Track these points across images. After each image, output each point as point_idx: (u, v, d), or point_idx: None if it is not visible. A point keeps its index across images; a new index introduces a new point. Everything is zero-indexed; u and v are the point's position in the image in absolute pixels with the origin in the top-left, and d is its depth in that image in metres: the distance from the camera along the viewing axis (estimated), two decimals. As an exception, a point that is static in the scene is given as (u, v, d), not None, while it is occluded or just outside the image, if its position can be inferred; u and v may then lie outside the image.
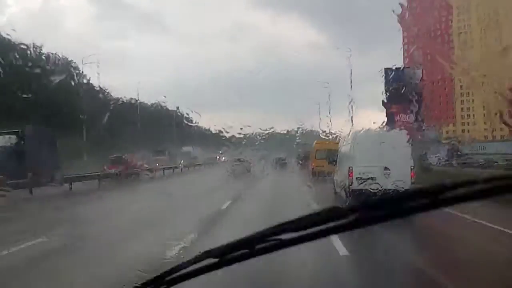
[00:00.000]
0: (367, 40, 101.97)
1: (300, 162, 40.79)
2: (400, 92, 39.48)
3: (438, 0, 60.73)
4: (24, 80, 32.32)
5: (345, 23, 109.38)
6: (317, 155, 28.05)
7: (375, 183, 14.10)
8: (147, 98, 67.05)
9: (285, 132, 49.48)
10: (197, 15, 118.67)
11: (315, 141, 30.42)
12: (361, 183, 14.66)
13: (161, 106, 64.59)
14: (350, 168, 15.07)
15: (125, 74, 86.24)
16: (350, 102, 45.42)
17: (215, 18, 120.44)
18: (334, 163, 18.68)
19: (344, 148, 17.43)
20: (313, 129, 60.44)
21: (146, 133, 50.99)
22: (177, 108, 63.66)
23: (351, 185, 14.90)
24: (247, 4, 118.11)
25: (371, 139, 15.27)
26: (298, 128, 48.21)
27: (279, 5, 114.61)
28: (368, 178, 14.57)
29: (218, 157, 47.93)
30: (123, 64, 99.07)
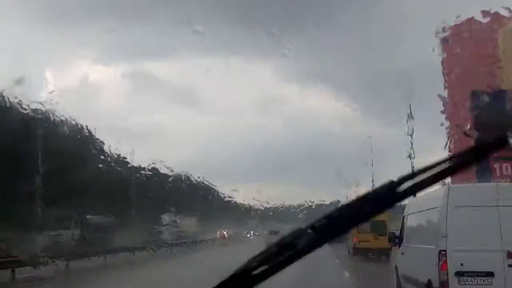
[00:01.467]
0: (394, 111, 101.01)
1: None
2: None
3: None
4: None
5: (372, 94, 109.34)
6: (361, 227, 24.56)
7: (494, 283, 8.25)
8: (176, 169, 66.47)
9: (316, 204, 50.59)
10: (227, 88, 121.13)
11: None
12: (465, 283, 8.52)
13: (185, 177, 63.23)
14: (442, 253, 8.60)
15: (156, 146, 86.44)
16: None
17: (245, 91, 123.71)
18: (394, 240, 12.57)
19: (420, 216, 10.86)
20: (342, 201, 59.19)
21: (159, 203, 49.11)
22: (202, 178, 62.00)
23: (446, 285, 8.55)
24: (275, 78, 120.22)
25: (480, 199, 8.97)
26: (335, 201, 47.35)
27: (307, 77, 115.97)
28: (480, 274, 8.49)
29: (246, 232, 44.23)
30: (155, 137, 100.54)
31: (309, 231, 1.57)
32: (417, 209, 10.88)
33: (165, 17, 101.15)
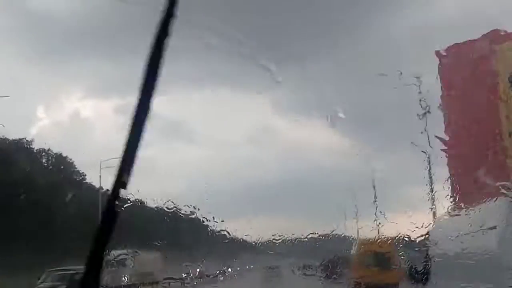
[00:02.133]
0: (390, 144, 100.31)
1: (328, 272, 34.84)
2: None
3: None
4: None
5: (368, 127, 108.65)
6: (363, 260, 22.03)
7: None
8: (163, 202, 64.75)
9: (309, 237, 49.19)
10: (219, 121, 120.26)
11: (358, 242, 24.22)
12: None
13: (172, 211, 60.93)
14: None
15: (146, 179, 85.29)
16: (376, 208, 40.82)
17: (237, 124, 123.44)
18: (416, 276, 9.76)
19: (464, 240, 8.14)
20: (338, 234, 58.19)
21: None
22: (193, 210, 59.47)
23: None
24: (269, 109, 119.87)
25: None
26: (325, 234, 45.70)
27: (301, 109, 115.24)
28: None
29: (227, 267, 41.37)
30: (148, 171, 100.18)
31: None
32: (455, 231, 6.98)
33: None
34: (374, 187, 42.81)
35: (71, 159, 42.63)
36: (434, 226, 7.79)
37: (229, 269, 42.90)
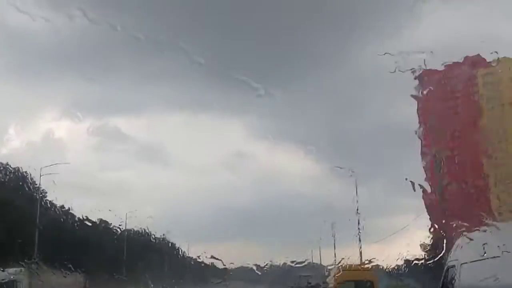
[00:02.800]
0: (367, 170, 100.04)
1: None
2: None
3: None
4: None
5: (344, 153, 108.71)
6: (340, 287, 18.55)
7: None
8: (136, 225, 63.30)
9: (284, 264, 48.29)
10: (194, 144, 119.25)
11: (336, 268, 19.97)
12: None
13: (145, 233, 59.86)
14: None
15: (121, 204, 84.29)
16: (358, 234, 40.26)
17: (213, 148, 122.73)
18: None
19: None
20: (314, 261, 57.66)
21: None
22: (163, 235, 58.25)
23: None
24: (244, 134, 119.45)
25: None
26: (299, 261, 44.90)
27: (276, 135, 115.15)
28: None
29: None
30: (121, 194, 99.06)
31: None
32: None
33: (132, 73, 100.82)
34: (358, 213, 42.56)
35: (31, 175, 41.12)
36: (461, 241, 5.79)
37: None
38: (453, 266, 6.44)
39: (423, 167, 54.33)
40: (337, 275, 18.94)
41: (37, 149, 78.90)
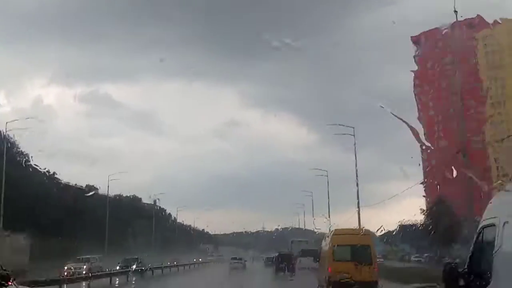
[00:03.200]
0: (362, 137, 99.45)
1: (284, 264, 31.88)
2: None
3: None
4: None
5: (338, 121, 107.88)
6: (338, 254, 17.52)
7: None
8: (130, 193, 62.71)
9: (276, 230, 49.39)
10: (188, 112, 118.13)
11: (331, 233, 18.80)
12: None
13: (138, 200, 59.35)
14: None
15: (112, 170, 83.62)
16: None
17: (206, 116, 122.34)
18: (458, 280, 5.49)
19: None
20: (300, 227, 57.24)
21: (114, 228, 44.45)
22: (155, 201, 57.68)
23: None
24: (238, 102, 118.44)
25: None
26: (291, 227, 45.25)
27: (269, 103, 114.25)
28: None
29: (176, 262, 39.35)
30: (112, 160, 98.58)
31: None
32: None
33: (124, 39, 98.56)
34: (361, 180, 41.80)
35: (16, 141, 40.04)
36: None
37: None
38: (492, 225, 5.09)
39: (417, 134, 53.40)
40: (332, 240, 17.57)
41: (26, 116, 77.59)
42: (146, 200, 60.27)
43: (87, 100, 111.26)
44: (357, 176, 32.51)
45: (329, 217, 44.29)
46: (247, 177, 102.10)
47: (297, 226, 52.54)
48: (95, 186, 43.47)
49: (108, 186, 43.25)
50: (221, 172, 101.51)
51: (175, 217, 61.00)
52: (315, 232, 51.11)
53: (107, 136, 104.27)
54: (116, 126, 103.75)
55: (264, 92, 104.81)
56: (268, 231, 45.75)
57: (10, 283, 8.60)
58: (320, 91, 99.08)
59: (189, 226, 62.82)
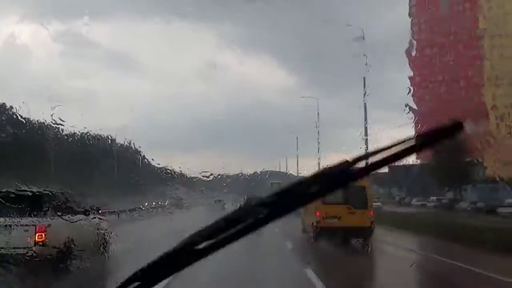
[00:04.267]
0: (336, 83, 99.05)
1: None
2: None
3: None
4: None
5: (315, 65, 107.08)
6: (327, 196, 13.95)
7: None
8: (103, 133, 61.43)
9: (253, 173, 47.59)
10: (166, 53, 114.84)
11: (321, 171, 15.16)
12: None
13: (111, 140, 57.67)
14: None
15: (89, 112, 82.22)
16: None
17: (185, 57, 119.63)
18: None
19: None
20: (281, 170, 56.91)
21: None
22: (129, 142, 56.28)
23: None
24: (217, 43, 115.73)
25: None
26: (266, 170, 45.40)
27: (249, 45, 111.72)
28: None
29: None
30: (88, 103, 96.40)
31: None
32: None
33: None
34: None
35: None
36: None
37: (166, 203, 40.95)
38: None
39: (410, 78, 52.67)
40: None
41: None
42: (120, 141, 59.09)
43: (62, 40, 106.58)
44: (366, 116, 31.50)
45: (319, 158, 44.22)
46: (226, 121, 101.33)
47: (278, 170, 52.42)
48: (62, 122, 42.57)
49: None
50: (199, 115, 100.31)
51: (151, 160, 60.09)
52: (297, 176, 51.06)
53: (83, 77, 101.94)
54: (92, 66, 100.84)
55: (244, 34, 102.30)
56: (247, 175, 45.64)
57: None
58: (300, 34, 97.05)
59: (164, 168, 61.79)
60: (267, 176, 46.22)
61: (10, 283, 7.95)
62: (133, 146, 60.47)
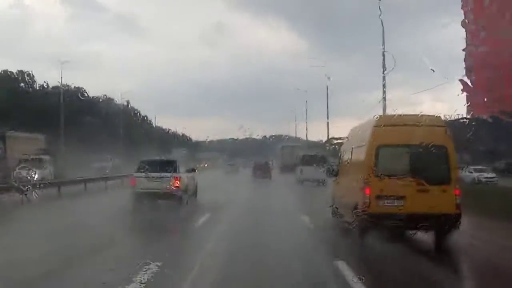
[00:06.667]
0: (346, 47, 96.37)
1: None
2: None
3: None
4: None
5: (325, 28, 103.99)
6: (382, 161, 9.11)
7: None
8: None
9: (262, 138, 49.00)
10: (173, 17, 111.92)
11: (377, 120, 9.74)
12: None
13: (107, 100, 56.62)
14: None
15: (96, 75, 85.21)
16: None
17: (192, 20, 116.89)
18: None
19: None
20: (290, 134, 55.73)
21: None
22: (126, 102, 55.23)
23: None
24: (225, 7, 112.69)
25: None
26: (276, 135, 47.23)
27: (258, 8, 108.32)
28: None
29: None
30: (95, 65, 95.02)
31: None
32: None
33: None
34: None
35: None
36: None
37: None
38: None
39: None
40: (374, 135, 9.26)
41: (5, 17, 74.00)
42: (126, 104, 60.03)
43: (67, 2, 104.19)
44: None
45: (327, 121, 42.32)
46: (234, 85, 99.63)
47: (287, 134, 51.25)
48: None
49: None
50: (207, 79, 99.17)
51: (151, 120, 59.71)
52: (307, 140, 49.37)
53: (89, 40, 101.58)
54: (98, 30, 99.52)
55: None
56: (256, 139, 45.71)
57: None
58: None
59: (169, 130, 60.69)
60: (277, 139, 45.29)
61: (160, 207, 15.47)
62: (138, 111, 60.19)
